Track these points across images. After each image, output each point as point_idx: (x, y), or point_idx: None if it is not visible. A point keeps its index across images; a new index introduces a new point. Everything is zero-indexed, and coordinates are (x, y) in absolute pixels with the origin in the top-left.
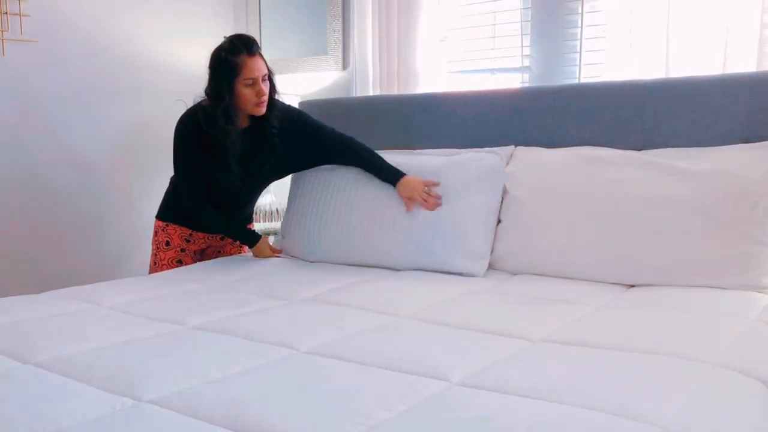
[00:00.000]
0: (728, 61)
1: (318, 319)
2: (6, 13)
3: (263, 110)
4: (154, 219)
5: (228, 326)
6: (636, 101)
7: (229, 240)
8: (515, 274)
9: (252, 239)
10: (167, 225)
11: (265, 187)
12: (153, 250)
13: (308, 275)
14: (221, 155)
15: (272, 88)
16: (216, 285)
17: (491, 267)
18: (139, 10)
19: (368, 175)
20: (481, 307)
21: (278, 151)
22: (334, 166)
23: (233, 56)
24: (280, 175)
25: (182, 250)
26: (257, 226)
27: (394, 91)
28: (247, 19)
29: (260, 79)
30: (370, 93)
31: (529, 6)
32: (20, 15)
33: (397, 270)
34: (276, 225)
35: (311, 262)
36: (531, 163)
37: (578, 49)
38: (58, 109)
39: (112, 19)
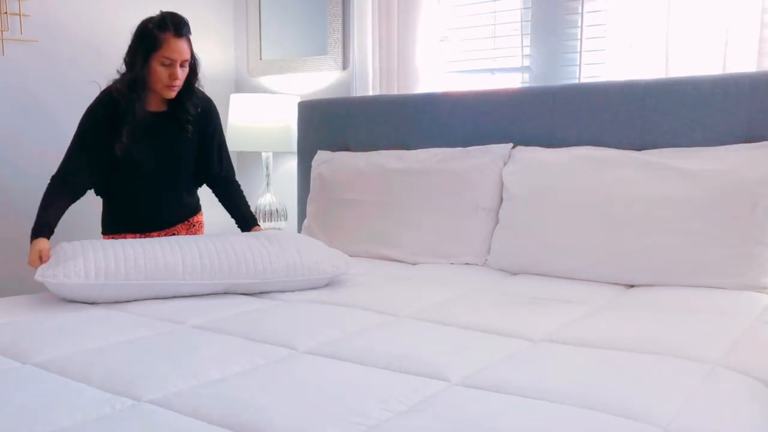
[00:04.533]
0: (728, 61)
1: (318, 319)
2: (6, 13)
3: (172, 94)
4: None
5: (228, 326)
6: (636, 101)
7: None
8: (515, 274)
9: (36, 231)
10: (115, 238)
11: (189, 183)
12: None
13: None
14: (129, 127)
15: (193, 75)
16: None
17: (491, 267)
18: (139, 10)
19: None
20: (481, 307)
21: (188, 135)
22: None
23: (159, 31)
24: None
25: None
26: None
27: (394, 91)
28: (247, 19)
29: (178, 63)
30: (370, 93)
31: (529, 6)
32: (20, 15)
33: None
34: (275, 225)
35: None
36: (531, 163)
37: (578, 49)
38: (58, 109)
39: (112, 19)
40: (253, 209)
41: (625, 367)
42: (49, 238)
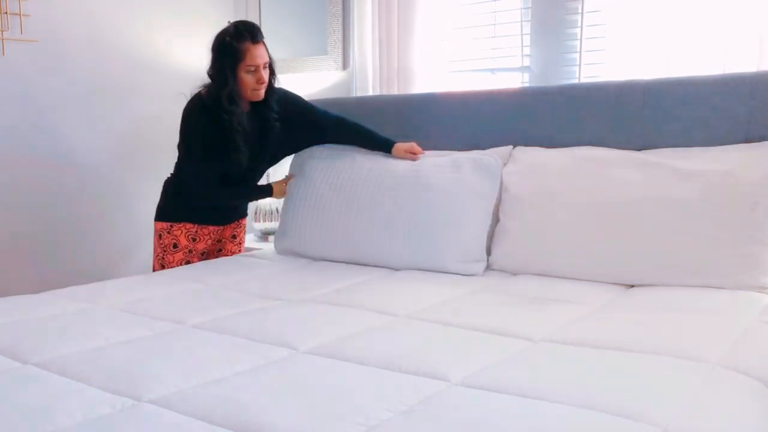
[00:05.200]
0: (728, 61)
1: (318, 319)
2: (6, 13)
3: (261, 96)
4: (153, 221)
5: (228, 326)
6: (636, 101)
7: (229, 236)
8: (515, 274)
9: (268, 189)
10: (172, 226)
11: (263, 173)
12: (158, 253)
13: (309, 277)
14: (228, 136)
15: (271, 74)
16: (216, 285)
17: (491, 267)
18: (139, 10)
19: (367, 174)
20: (481, 307)
21: (277, 134)
22: (333, 161)
23: (238, 42)
24: (276, 159)
25: (189, 251)
26: (257, 226)
27: (394, 91)
28: (247, 20)
29: (262, 67)
30: (370, 93)
31: (529, 6)
32: (20, 15)
33: (395, 269)
34: (275, 225)
35: (312, 259)
36: (531, 163)
37: (578, 49)
38: (58, 109)
39: (112, 19)
40: (253, 209)
41: (625, 367)
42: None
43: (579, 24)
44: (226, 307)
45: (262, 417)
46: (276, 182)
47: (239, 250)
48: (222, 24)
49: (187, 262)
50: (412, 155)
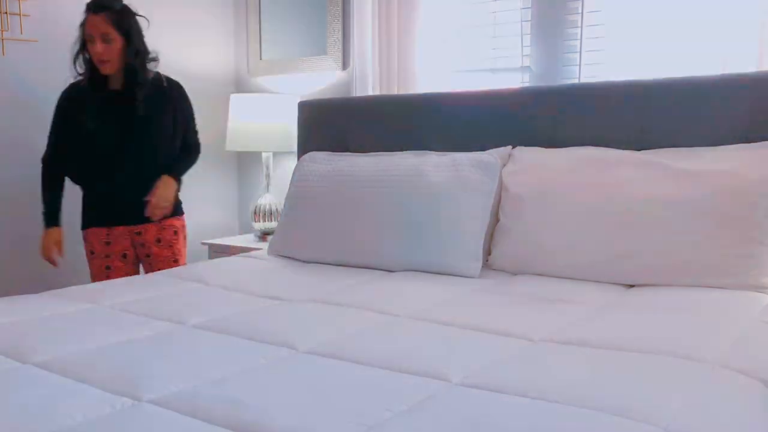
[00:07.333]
0: (728, 61)
1: (318, 319)
2: (6, 13)
3: (105, 69)
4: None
5: (228, 326)
6: (636, 101)
7: (153, 240)
8: (515, 274)
9: (46, 221)
10: (87, 232)
11: (151, 151)
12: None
13: (308, 277)
14: (91, 104)
15: (130, 55)
16: (216, 285)
17: (491, 267)
18: (138, 9)
19: (366, 174)
20: (481, 307)
21: (140, 114)
22: (331, 165)
23: (84, 12)
24: (156, 137)
25: (107, 255)
26: (257, 225)
27: (394, 91)
28: (247, 19)
29: (96, 38)
30: (370, 93)
31: (529, 6)
32: (20, 15)
33: (392, 271)
34: (274, 225)
35: (305, 262)
36: (531, 163)
37: (578, 49)
38: None
39: None
40: (252, 209)
41: (625, 367)
42: (60, 225)
43: (579, 24)
44: (226, 307)
45: (262, 417)
46: (53, 232)
47: (172, 254)
48: (222, 24)
49: (107, 267)
50: (154, 203)
